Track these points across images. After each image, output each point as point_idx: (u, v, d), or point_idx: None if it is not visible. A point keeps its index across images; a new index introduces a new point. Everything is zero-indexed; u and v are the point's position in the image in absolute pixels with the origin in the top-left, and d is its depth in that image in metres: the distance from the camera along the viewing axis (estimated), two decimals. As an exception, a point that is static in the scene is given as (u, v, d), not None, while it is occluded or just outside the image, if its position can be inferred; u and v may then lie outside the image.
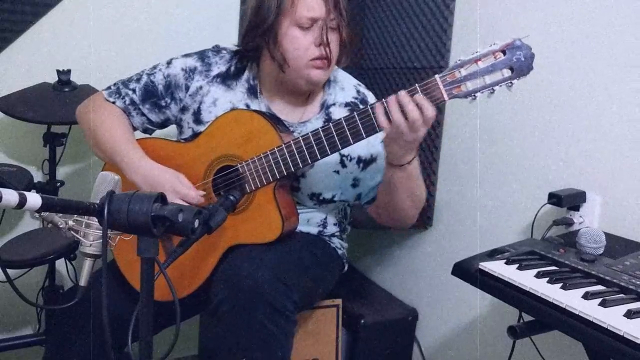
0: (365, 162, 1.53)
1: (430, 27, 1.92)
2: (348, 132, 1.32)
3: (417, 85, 1.26)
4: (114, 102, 1.55)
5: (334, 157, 1.50)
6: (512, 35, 1.55)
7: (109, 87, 1.58)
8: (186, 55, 1.57)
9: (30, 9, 1.95)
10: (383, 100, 1.29)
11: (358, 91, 1.57)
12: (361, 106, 1.52)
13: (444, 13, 1.87)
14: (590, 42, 1.47)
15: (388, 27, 2.12)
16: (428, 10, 1.93)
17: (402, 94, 1.26)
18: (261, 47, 1.47)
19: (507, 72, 1.21)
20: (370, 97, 1.58)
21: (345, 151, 1.49)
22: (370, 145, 1.49)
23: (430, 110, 1.24)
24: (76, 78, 1.91)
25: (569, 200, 1.46)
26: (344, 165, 1.52)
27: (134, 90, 1.55)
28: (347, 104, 1.54)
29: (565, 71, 1.52)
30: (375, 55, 2.18)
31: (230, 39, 2.20)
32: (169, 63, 1.56)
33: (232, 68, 1.55)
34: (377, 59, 2.18)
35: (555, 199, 1.45)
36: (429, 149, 1.95)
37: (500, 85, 1.22)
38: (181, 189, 1.39)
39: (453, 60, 1.85)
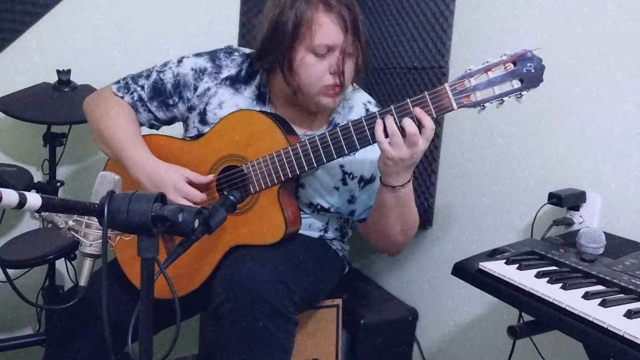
0: (365, 182, 1.52)
1: (430, 27, 1.92)
2: (355, 137, 1.31)
3: (425, 92, 1.26)
4: (122, 97, 1.54)
5: (337, 174, 1.50)
6: (511, 35, 1.55)
7: (118, 82, 1.56)
8: (197, 55, 1.55)
9: (30, 9, 1.95)
10: (377, 113, 1.29)
11: (367, 110, 1.54)
12: None
13: (444, 13, 1.87)
14: (590, 42, 1.47)
15: (388, 27, 2.12)
16: (428, 10, 1.93)
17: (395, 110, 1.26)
18: (274, 66, 1.45)
19: (517, 83, 1.21)
20: None
21: (348, 169, 1.49)
22: (374, 166, 1.48)
23: (428, 123, 1.24)
24: (76, 78, 1.91)
25: (569, 200, 1.46)
26: (345, 183, 1.52)
27: (142, 87, 1.54)
28: None
29: (565, 71, 1.52)
30: (375, 55, 2.18)
31: (230, 39, 2.22)
32: (179, 61, 1.54)
33: (243, 72, 1.54)
34: (377, 59, 2.18)
35: (555, 199, 1.45)
36: (429, 149, 1.95)
37: (510, 96, 1.22)
38: (183, 187, 1.39)
39: (453, 60, 1.87)
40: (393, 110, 1.27)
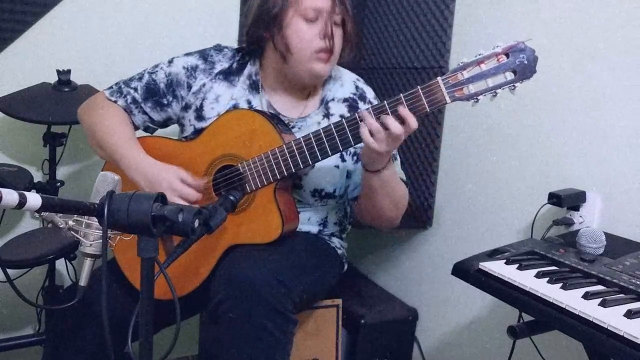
0: (358, 156, 1.53)
1: (430, 27, 1.92)
2: (349, 134, 1.32)
3: (418, 87, 1.26)
4: (115, 101, 1.55)
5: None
6: (511, 35, 1.55)
7: (111, 87, 1.58)
8: (187, 54, 1.57)
9: (30, 9, 1.94)
10: (358, 113, 1.30)
11: (357, 87, 1.59)
12: (359, 102, 1.55)
13: (444, 13, 1.87)
14: (590, 41, 1.47)
15: (388, 27, 2.12)
16: (428, 10, 1.93)
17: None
18: (265, 39, 1.48)
19: (510, 75, 1.20)
20: (369, 92, 1.60)
21: None
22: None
23: (413, 123, 1.25)
24: (76, 78, 1.91)
25: (569, 200, 1.46)
26: (343, 160, 1.54)
27: (135, 89, 1.55)
28: (345, 100, 1.56)
29: (565, 71, 1.52)
30: (375, 55, 2.18)
31: (230, 39, 2.22)
32: (170, 62, 1.56)
33: (235, 64, 1.56)
34: (377, 59, 2.18)
35: (555, 199, 1.45)
36: (429, 149, 1.95)
37: (503, 89, 1.21)
38: (178, 186, 1.40)
39: (453, 60, 1.86)
40: (387, 106, 1.28)
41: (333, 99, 1.55)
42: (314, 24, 1.42)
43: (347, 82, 1.59)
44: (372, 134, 1.28)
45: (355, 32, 1.50)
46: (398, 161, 1.60)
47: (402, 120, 1.26)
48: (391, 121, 1.26)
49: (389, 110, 1.27)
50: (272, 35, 1.45)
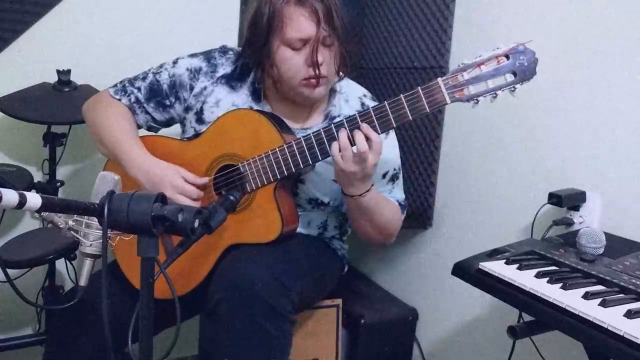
0: None
1: (430, 27, 1.92)
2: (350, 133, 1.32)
3: (419, 87, 1.26)
4: (119, 100, 1.55)
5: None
6: (510, 34, 1.55)
7: (115, 85, 1.58)
8: (192, 55, 1.57)
9: (30, 9, 1.94)
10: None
11: (362, 103, 1.56)
12: None
13: (444, 13, 1.87)
14: (590, 41, 1.47)
15: (388, 27, 2.12)
16: (428, 10, 1.93)
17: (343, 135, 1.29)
18: (260, 60, 1.46)
19: (510, 77, 1.21)
20: None
21: None
22: None
23: (375, 138, 1.27)
24: (76, 78, 1.91)
25: (569, 200, 1.46)
26: None
27: (139, 89, 1.55)
28: None
29: (565, 71, 1.52)
30: (375, 55, 2.18)
31: (230, 39, 2.22)
32: (174, 62, 1.56)
33: (238, 69, 1.55)
34: (377, 59, 2.18)
35: (555, 199, 1.45)
36: (429, 149, 1.95)
37: (503, 90, 1.22)
38: (180, 184, 1.39)
39: (453, 60, 1.86)
40: (387, 106, 1.28)
41: (338, 115, 1.53)
42: (301, 51, 1.39)
43: (352, 98, 1.56)
44: (340, 150, 1.29)
45: (348, 49, 1.45)
46: (400, 181, 1.58)
47: (367, 137, 1.27)
48: (359, 136, 1.27)
49: (389, 113, 1.27)
50: (262, 62, 1.44)
